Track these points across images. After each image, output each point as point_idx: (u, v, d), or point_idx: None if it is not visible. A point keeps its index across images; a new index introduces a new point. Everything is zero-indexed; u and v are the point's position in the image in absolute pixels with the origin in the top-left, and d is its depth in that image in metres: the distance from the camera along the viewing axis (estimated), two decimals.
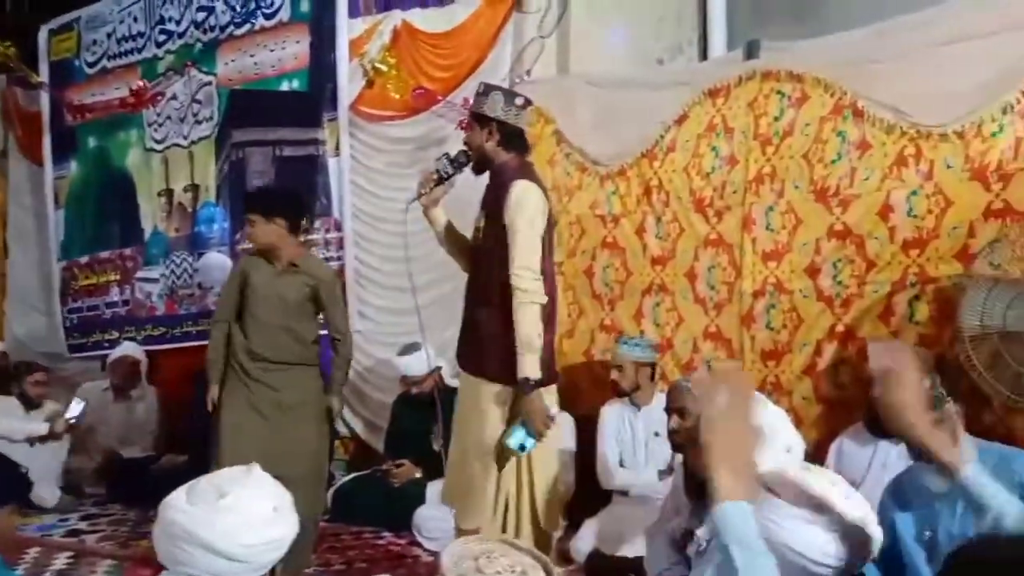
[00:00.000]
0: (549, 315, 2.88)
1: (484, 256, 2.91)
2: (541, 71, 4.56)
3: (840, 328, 3.54)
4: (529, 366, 2.70)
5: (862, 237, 3.48)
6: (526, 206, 2.77)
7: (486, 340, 2.87)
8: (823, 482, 1.37)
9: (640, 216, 4.19)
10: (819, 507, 1.32)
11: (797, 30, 4.09)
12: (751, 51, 3.92)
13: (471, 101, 3.11)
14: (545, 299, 2.77)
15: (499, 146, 2.91)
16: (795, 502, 1.31)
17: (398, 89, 4.68)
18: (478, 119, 2.94)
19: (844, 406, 3.45)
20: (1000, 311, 2.84)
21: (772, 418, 2.05)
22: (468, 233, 3.10)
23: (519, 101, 2.94)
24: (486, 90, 2.97)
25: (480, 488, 2.83)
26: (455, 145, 3.98)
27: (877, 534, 1.42)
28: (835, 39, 3.70)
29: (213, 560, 1.37)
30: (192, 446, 4.57)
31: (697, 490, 2.14)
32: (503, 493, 2.83)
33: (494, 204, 2.87)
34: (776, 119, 3.76)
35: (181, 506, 1.41)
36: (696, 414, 2.41)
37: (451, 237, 3.11)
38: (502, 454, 2.83)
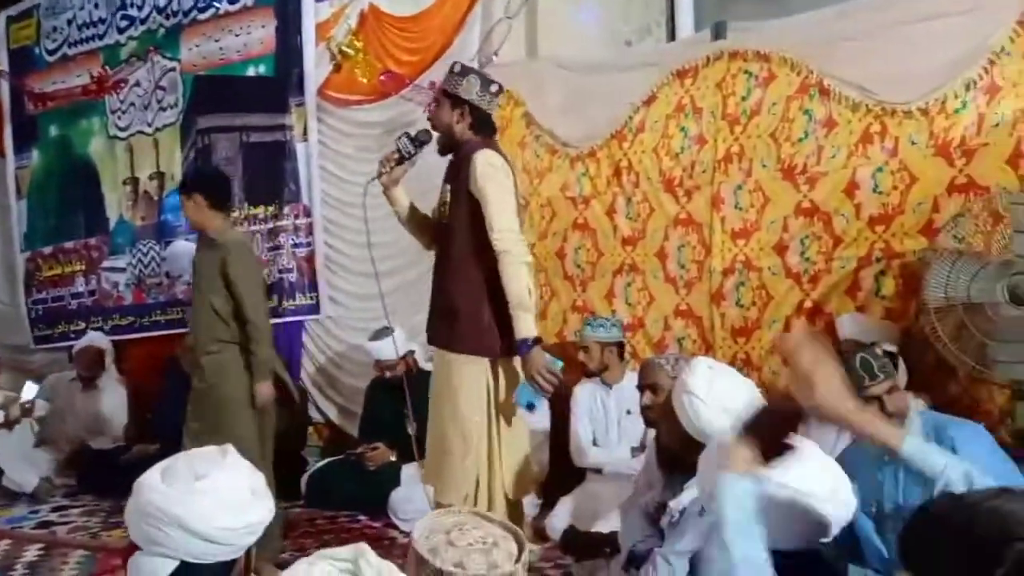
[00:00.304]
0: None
1: (450, 231, 2.91)
2: (510, 53, 4.54)
3: (808, 304, 3.59)
4: (524, 325, 2.72)
5: (829, 214, 3.53)
6: (492, 172, 2.81)
7: (456, 313, 2.88)
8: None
9: (610, 197, 4.20)
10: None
11: (763, 10, 4.12)
12: (718, 32, 3.94)
13: (437, 84, 3.10)
14: (531, 258, 2.82)
15: (470, 129, 2.93)
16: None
17: (365, 73, 4.65)
18: (451, 99, 2.93)
19: None
20: (964, 283, 2.89)
21: (742, 390, 2.07)
22: (429, 211, 3.11)
23: (494, 88, 2.97)
24: (463, 71, 2.97)
25: (459, 462, 2.84)
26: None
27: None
28: (801, 19, 3.74)
29: (190, 541, 1.36)
30: (163, 435, 4.53)
31: (669, 463, 2.16)
32: (474, 470, 2.85)
33: (458, 178, 2.89)
34: (744, 99, 3.79)
35: (157, 486, 1.39)
36: (668, 389, 2.43)
37: (413, 216, 3.11)
38: (508, 416, 2.89)
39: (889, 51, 3.38)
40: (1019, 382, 2.91)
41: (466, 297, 2.86)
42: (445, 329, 2.92)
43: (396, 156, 2.97)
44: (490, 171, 2.80)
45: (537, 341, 2.76)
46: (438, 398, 2.95)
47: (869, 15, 3.47)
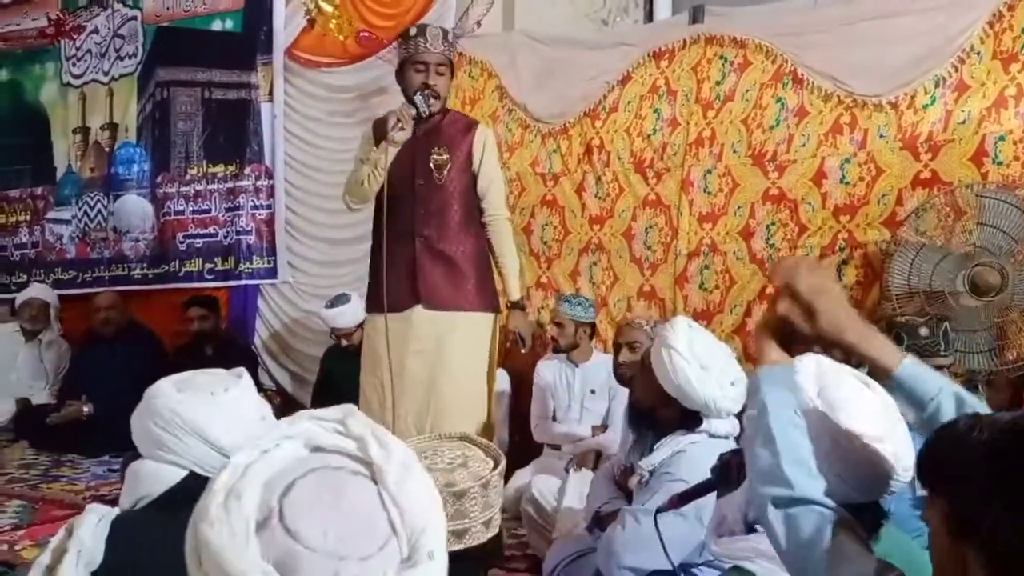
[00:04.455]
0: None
1: (446, 195, 2.93)
2: (485, 24, 4.50)
3: (770, 290, 3.64)
4: (516, 286, 3.12)
5: (796, 202, 3.58)
6: (495, 150, 3.09)
7: (464, 274, 2.97)
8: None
9: (580, 175, 4.21)
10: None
11: None
12: (696, 16, 3.97)
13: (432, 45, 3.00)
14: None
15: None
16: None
17: (342, 30, 4.52)
18: (450, 68, 3.04)
19: None
20: (927, 271, 2.98)
21: (720, 352, 2.09)
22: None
23: None
24: (455, 38, 3.08)
25: (477, 411, 2.98)
26: (397, 95, 3.91)
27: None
28: (777, 7, 3.79)
29: (207, 452, 1.33)
30: (97, 398, 4.39)
31: (640, 420, 2.17)
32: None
33: (456, 144, 2.94)
34: (718, 83, 3.83)
35: (173, 394, 1.36)
36: (646, 348, 2.44)
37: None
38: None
39: (862, 44, 3.44)
40: (972, 372, 3.00)
41: (469, 258, 3.01)
42: (450, 290, 2.98)
43: (415, 114, 2.86)
44: (494, 148, 3.09)
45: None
46: (437, 358, 2.96)
47: (844, 7, 3.54)
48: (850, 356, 1.24)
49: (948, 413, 1.16)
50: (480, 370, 3.03)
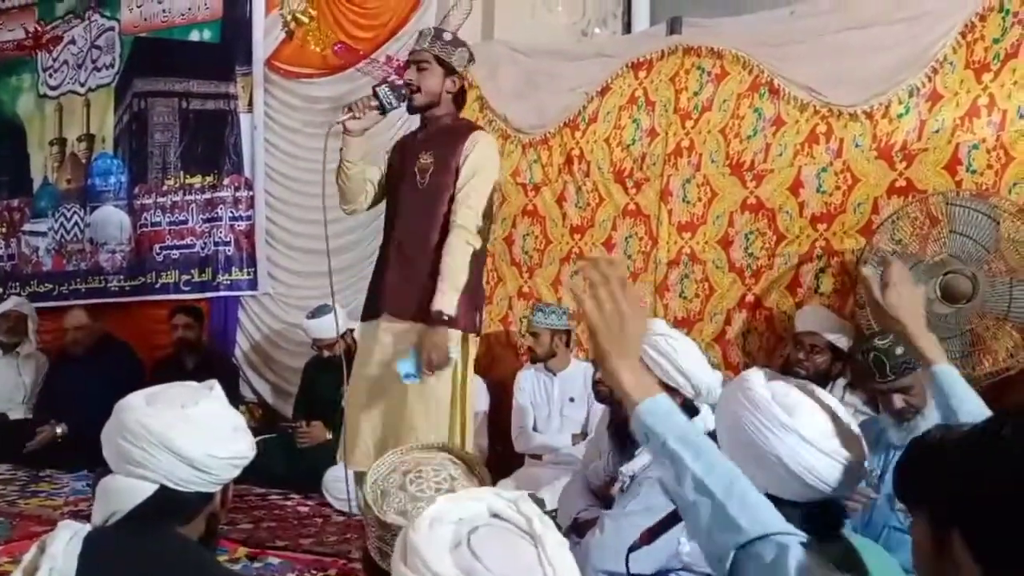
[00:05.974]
0: (481, 267, 2.94)
1: (425, 198, 2.83)
2: (464, 34, 4.49)
3: (750, 298, 3.68)
4: (448, 300, 2.66)
5: (773, 211, 3.62)
6: (490, 159, 2.85)
7: (428, 283, 2.76)
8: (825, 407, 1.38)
9: (561, 185, 4.22)
10: (813, 425, 1.31)
11: (718, 8, 4.19)
12: (674, 27, 4.01)
13: (394, 58, 3.03)
14: (480, 245, 2.78)
15: (453, 99, 2.93)
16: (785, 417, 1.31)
17: (318, 42, 4.51)
18: (444, 67, 2.88)
19: None
20: None
21: (687, 344, 2.12)
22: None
23: (471, 64, 3.01)
24: (455, 41, 2.95)
25: (423, 437, 2.70)
26: None
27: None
28: (754, 18, 3.83)
29: (175, 464, 1.31)
30: (71, 416, 4.34)
31: (622, 430, 2.18)
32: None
33: (448, 148, 2.83)
34: (696, 94, 3.86)
35: (143, 408, 1.34)
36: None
37: (360, 173, 2.95)
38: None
39: (837, 54, 3.48)
40: None
41: None
42: (414, 299, 2.77)
43: (375, 104, 2.79)
44: (489, 157, 2.85)
45: (450, 322, 2.70)
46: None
47: (819, 18, 3.58)
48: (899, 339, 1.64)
49: (968, 415, 1.36)
50: (443, 389, 2.78)
